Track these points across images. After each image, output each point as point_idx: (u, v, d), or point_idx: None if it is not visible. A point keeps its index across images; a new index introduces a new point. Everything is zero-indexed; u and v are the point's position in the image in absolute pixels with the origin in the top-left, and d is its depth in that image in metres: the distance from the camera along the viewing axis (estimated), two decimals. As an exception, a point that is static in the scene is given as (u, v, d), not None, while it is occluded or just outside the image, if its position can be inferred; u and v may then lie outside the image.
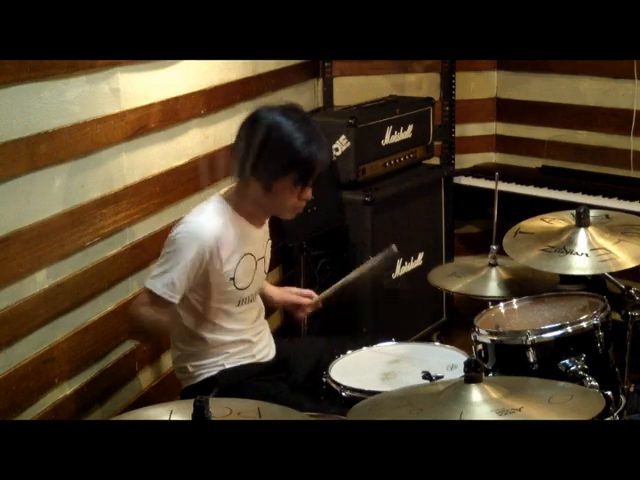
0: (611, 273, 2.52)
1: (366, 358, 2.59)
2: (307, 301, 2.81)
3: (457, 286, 2.78)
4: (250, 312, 2.57)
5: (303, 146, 2.37)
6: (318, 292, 2.85)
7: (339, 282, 2.79)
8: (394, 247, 2.78)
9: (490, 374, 2.35)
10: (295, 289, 2.91)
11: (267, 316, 2.76)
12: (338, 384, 2.38)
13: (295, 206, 2.48)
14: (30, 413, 2.29)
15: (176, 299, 2.36)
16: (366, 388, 2.32)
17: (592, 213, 2.61)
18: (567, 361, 2.30)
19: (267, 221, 2.62)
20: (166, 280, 2.34)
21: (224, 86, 3.26)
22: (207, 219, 2.41)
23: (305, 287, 3.68)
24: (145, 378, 2.87)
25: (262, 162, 2.40)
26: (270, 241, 2.65)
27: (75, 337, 2.47)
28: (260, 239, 2.58)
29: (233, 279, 2.45)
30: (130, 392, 2.78)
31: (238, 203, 2.48)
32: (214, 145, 3.16)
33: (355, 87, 4.26)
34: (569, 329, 2.34)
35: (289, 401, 2.04)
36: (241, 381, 2.45)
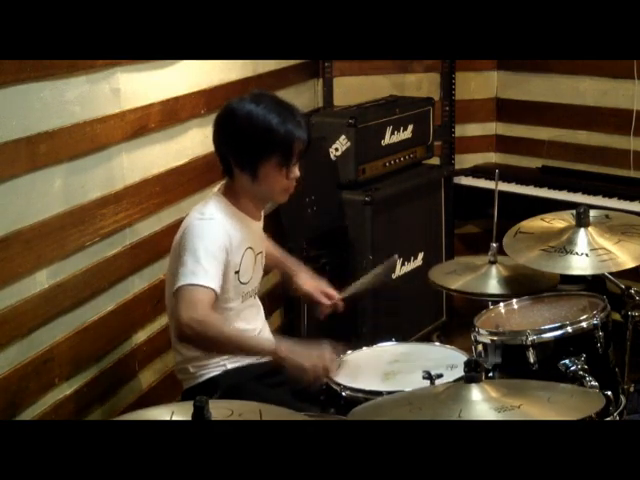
0: (611, 273, 2.53)
1: (366, 358, 2.59)
2: (326, 302, 2.72)
3: (457, 284, 2.78)
4: (252, 309, 2.57)
5: (278, 126, 2.37)
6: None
7: (356, 284, 2.77)
8: (396, 257, 2.76)
9: (490, 374, 2.35)
10: (322, 285, 2.77)
11: (267, 315, 2.75)
12: (338, 384, 2.38)
13: (286, 187, 2.47)
14: (30, 413, 2.29)
15: (217, 288, 2.31)
16: (366, 388, 2.32)
17: (592, 213, 2.61)
18: (567, 361, 2.30)
19: (262, 216, 2.62)
20: (199, 270, 2.28)
21: (224, 86, 3.26)
22: (213, 217, 2.41)
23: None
24: (145, 378, 2.87)
25: (242, 152, 2.41)
26: (265, 236, 2.65)
27: (75, 337, 2.47)
28: (258, 233, 2.59)
29: (238, 272, 2.45)
30: (130, 392, 2.78)
31: (234, 198, 2.48)
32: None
33: (355, 87, 4.26)
34: (569, 329, 2.34)
35: (290, 406, 2.04)
36: (242, 383, 2.44)
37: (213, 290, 2.29)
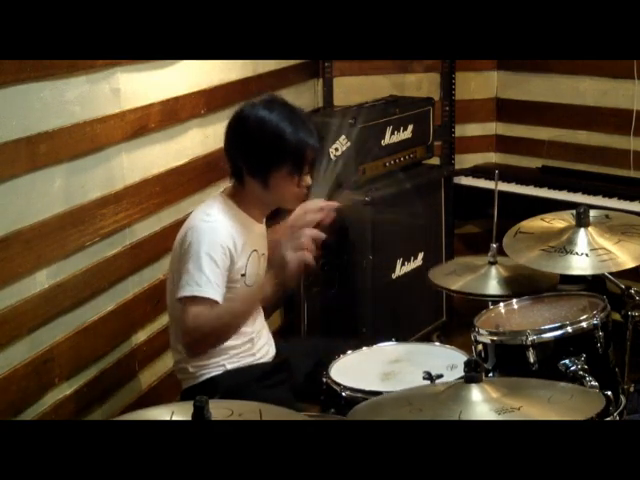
0: (611, 273, 2.53)
1: (366, 358, 2.59)
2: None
3: (457, 284, 2.78)
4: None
5: (291, 135, 2.37)
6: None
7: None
8: None
9: (490, 374, 2.35)
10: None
11: (267, 317, 2.75)
12: (338, 384, 2.38)
13: (297, 195, 2.48)
14: (30, 413, 2.29)
15: (221, 299, 2.32)
16: (366, 388, 2.32)
17: (592, 213, 2.61)
18: (567, 361, 2.30)
19: (264, 218, 2.62)
20: (203, 280, 2.29)
21: (224, 86, 3.27)
22: (217, 219, 2.40)
23: (305, 287, 3.69)
24: (145, 378, 2.87)
25: (254, 160, 2.41)
26: (267, 239, 2.65)
27: (75, 337, 2.47)
28: (261, 235, 2.58)
29: (244, 275, 2.45)
30: (130, 392, 2.78)
31: (240, 201, 2.48)
32: (214, 145, 3.16)
33: (355, 87, 4.26)
34: (569, 329, 2.34)
35: (290, 406, 2.03)
36: (242, 385, 2.44)
37: (216, 301, 2.30)
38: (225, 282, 2.35)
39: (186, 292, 2.29)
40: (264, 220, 2.61)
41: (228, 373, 2.50)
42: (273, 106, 2.42)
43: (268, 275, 2.34)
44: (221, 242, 2.36)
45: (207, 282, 2.29)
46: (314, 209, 2.54)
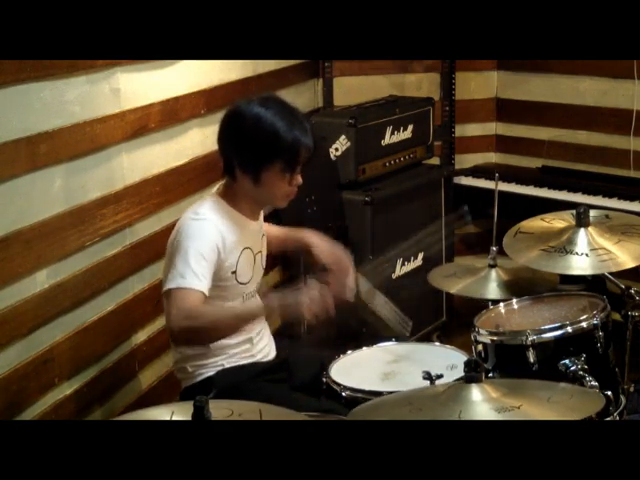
0: (611, 273, 2.53)
1: (366, 358, 2.59)
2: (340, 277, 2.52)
3: (457, 287, 2.78)
4: None
5: (285, 133, 2.37)
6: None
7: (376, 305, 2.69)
8: (410, 323, 2.71)
9: (490, 374, 2.35)
10: (339, 253, 2.59)
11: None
12: (338, 384, 2.38)
13: (287, 193, 2.47)
14: (30, 413, 2.29)
15: (206, 290, 2.31)
16: (366, 388, 2.32)
17: (592, 213, 2.62)
18: (567, 361, 2.30)
19: (262, 215, 2.62)
20: (188, 273, 2.29)
21: (224, 86, 3.27)
22: (206, 217, 2.41)
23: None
24: (145, 378, 2.87)
25: (247, 155, 2.41)
26: (265, 236, 2.65)
27: (75, 337, 2.47)
28: (256, 233, 2.58)
29: (235, 273, 2.44)
30: (130, 392, 2.78)
31: (232, 199, 2.48)
32: (214, 145, 3.13)
33: (355, 87, 4.26)
34: (569, 329, 2.34)
35: (289, 403, 2.04)
36: (240, 381, 2.44)
37: (201, 292, 2.29)
38: (211, 274, 2.34)
39: (171, 285, 2.29)
40: (260, 218, 2.61)
41: (226, 371, 2.50)
42: (269, 103, 2.42)
43: (276, 305, 2.31)
44: (209, 238, 2.36)
45: (192, 274, 2.29)
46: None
